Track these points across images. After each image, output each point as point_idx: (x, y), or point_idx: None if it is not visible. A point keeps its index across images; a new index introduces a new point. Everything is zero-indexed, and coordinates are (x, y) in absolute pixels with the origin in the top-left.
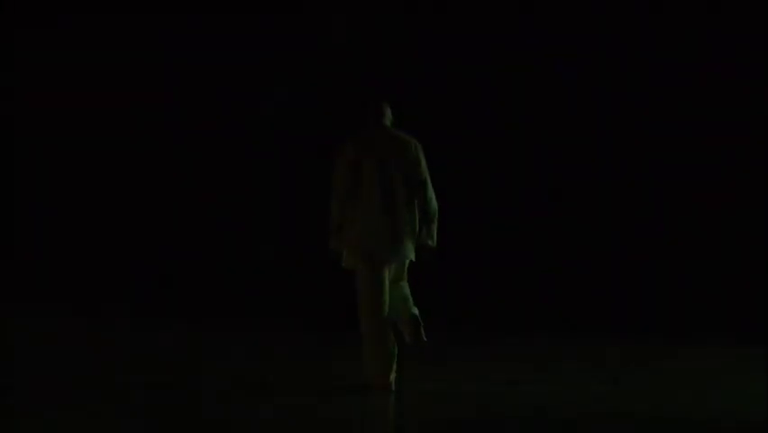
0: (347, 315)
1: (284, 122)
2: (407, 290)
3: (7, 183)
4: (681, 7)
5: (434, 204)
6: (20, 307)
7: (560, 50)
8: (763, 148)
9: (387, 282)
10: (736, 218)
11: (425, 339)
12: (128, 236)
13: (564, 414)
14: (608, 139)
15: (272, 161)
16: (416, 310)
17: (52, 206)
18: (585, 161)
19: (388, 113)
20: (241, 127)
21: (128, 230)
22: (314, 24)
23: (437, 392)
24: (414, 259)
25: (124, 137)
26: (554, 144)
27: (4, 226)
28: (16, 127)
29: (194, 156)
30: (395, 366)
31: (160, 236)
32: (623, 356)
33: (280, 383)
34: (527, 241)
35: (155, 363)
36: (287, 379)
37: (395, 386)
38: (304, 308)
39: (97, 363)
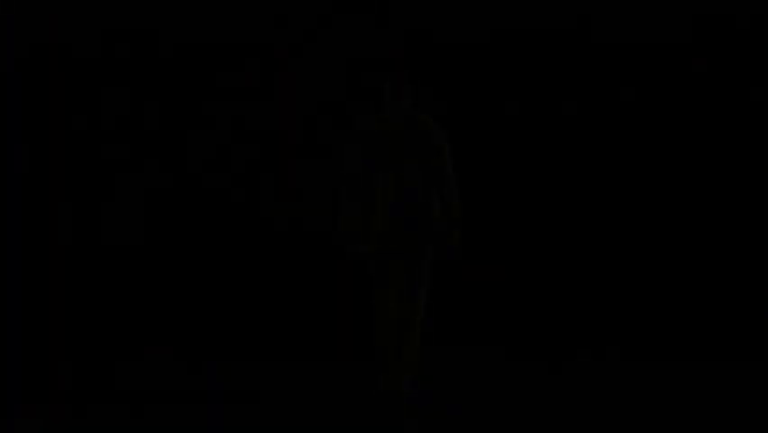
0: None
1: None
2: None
3: None
4: None
5: (458, 199)
6: None
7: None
8: None
9: (397, 282)
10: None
11: (403, 390)
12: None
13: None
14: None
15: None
16: (413, 356)
17: None
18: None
19: (409, 91)
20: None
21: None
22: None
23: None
24: (430, 259)
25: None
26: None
27: None
28: None
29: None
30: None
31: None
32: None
33: (276, 393)
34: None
35: None
36: (284, 387)
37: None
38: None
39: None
